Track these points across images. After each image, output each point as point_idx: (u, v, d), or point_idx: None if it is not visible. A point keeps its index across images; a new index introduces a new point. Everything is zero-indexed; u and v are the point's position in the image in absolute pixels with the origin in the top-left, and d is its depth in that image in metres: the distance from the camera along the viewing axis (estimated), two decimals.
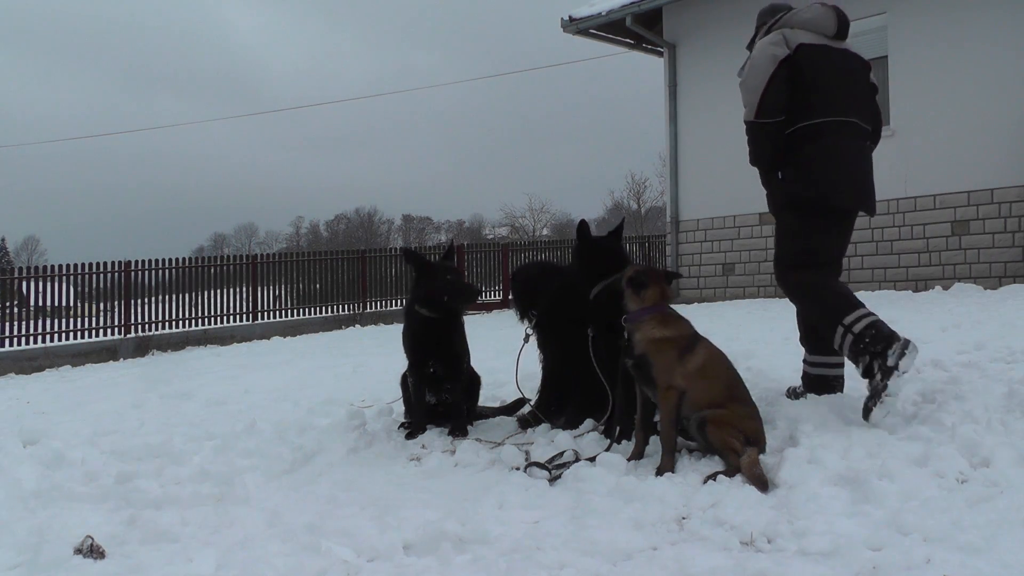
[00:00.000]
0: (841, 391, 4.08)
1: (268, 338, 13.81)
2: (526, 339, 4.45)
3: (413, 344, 4.39)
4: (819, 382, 4.09)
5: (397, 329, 4.85)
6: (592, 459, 3.45)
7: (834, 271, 4.02)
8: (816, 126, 3.80)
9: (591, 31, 13.45)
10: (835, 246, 4.01)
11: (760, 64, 3.81)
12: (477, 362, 4.66)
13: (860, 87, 3.96)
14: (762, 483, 2.97)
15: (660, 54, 13.43)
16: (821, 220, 3.86)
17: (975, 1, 10.11)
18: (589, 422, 4.07)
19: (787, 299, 4.31)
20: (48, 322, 13.37)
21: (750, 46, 4.25)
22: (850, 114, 3.86)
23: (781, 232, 4.04)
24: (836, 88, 3.85)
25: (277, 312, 16.12)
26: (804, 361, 4.21)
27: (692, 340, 3.43)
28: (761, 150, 3.90)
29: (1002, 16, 9.94)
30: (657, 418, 3.50)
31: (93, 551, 2.82)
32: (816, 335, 4.08)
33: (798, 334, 4.28)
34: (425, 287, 4.32)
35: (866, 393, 3.57)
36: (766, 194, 4.10)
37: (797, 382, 4.28)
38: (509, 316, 4.70)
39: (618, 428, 3.78)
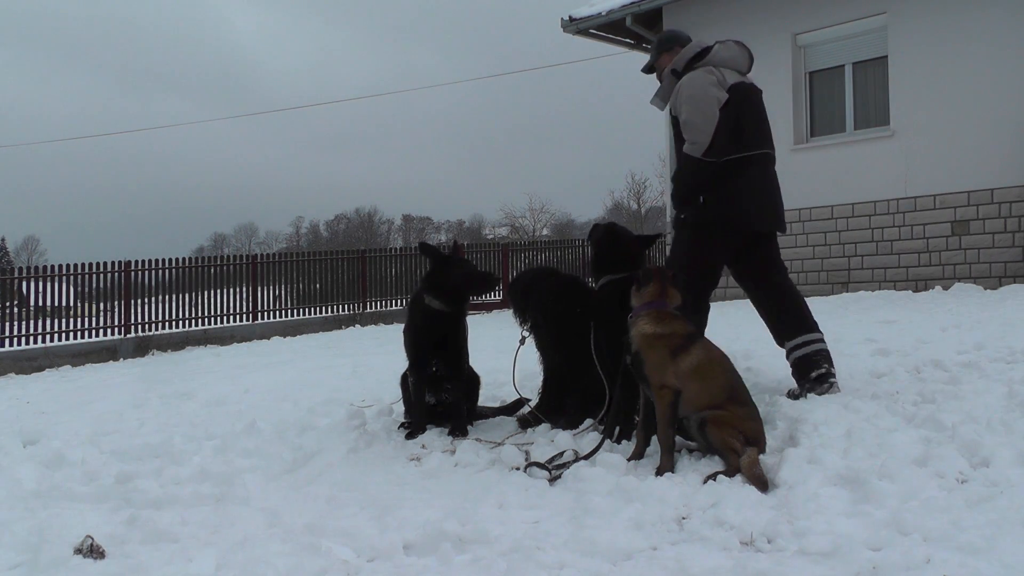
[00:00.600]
0: (829, 363, 4.16)
1: (268, 338, 13.80)
2: (522, 341, 4.46)
3: (417, 340, 4.38)
4: (804, 363, 4.17)
5: (397, 329, 4.85)
6: (589, 456, 3.45)
7: (711, 285, 4.37)
8: (743, 159, 4.19)
9: (591, 31, 13.44)
10: (723, 264, 4.41)
11: (705, 105, 4.13)
12: (477, 362, 4.66)
13: (765, 117, 4.39)
14: (762, 483, 2.97)
15: None
16: (723, 241, 4.25)
17: (975, 1, 10.11)
18: (589, 422, 4.07)
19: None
20: (48, 322, 13.37)
21: (649, 69, 4.61)
22: (765, 146, 4.32)
23: (684, 246, 4.35)
24: (756, 124, 4.29)
25: (277, 312, 16.11)
26: (787, 356, 4.29)
27: (688, 340, 3.42)
28: (695, 181, 4.21)
29: (1002, 16, 9.94)
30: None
31: (93, 551, 2.82)
32: (782, 322, 4.27)
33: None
34: (442, 277, 4.33)
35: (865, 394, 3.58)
36: (674, 212, 4.47)
37: (795, 383, 4.28)
38: (509, 316, 4.71)
39: (618, 428, 3.79)
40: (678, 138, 4.27)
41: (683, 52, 4.36)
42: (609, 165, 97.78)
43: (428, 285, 4.37)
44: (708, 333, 3.64)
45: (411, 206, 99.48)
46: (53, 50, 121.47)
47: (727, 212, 4.17)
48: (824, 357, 4.17)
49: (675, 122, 4.31)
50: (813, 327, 4.25)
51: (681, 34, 4.56)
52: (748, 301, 4.52)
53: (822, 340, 4.23)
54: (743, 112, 4.21)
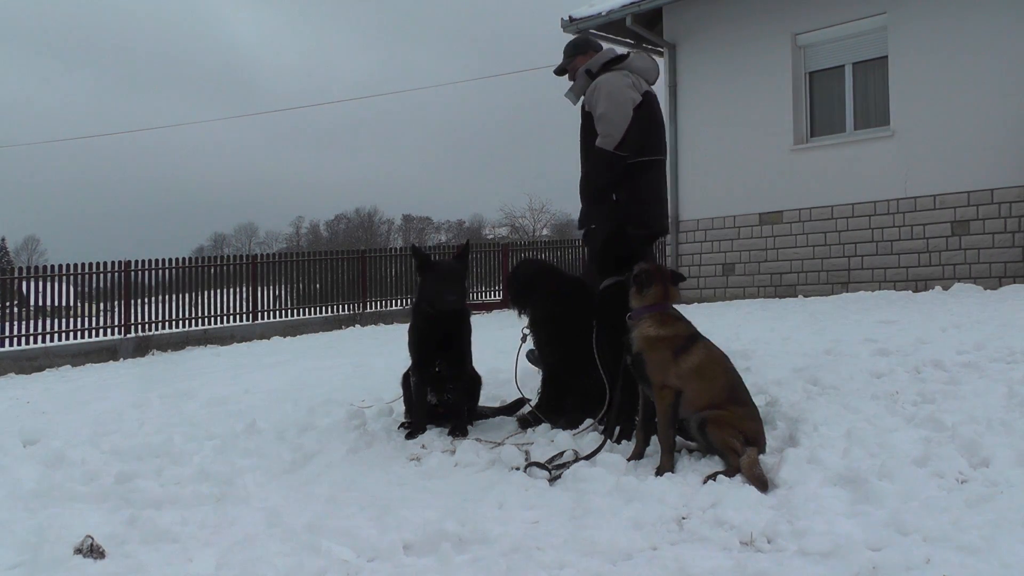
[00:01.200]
0: None
1: (268, 338, 13.80)
2: (523, 339, 4.45)
3: (419, 341, 4.38)
4: None
5: (397, 329, 4.86)
6: (589, 456, 3.45)
7: None
8: (649, 163, 4.59)
9: (591, 31, 13.43)
10: None
11: (623, 103, 4.48)
12: (477, 362, 4.65)
13: (664, 126, 4.85)
14: (762, 483, 2.97)
15: (660, 54, 13.42)
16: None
17: (975, 2, 10.11)
18: (589, 422, 4.07)
19: (785, 300, 4.41)
20: (48, 322, 13.36)
21: (561, 71, 4.97)
22: (663, 152, 4.79)
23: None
24: (659, 131, 4.75)
25: (277, 312, 16.11)
26: None
27: (689, 340, 3.43)
28: (608, 175, 4.52)
29: (1002, 16, 9.94)
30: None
31: (93, 551, 2.82)
32: None
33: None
34: (422, 284, 4.34)
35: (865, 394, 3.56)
36: (582, 209, 4.77)
37: (797, 382, 4.28)
38: (509, 316, 4.72)
39: (618, 428, 3.78)
40: (588, 133, 4.59)
41: (599, 55, 4.74)
42: None
43: (420, 291, 4.40)
44: (708, 333, 3.63)
45: (411, 206, 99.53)
46: (53, 49, 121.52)
47: (638, 212, 4.47)
48: None
49: (587, 118, 4.62)
50: None
51: (593, 40, 5.09)
52: (747, 301, 4.57)
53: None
54: (652, 118, 4.62)
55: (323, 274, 17.26)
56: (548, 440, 3.87)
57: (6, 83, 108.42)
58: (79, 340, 13.24)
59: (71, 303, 14.48)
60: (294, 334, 14.08)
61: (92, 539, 2.86)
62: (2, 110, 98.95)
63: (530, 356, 4.77)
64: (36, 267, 15.35)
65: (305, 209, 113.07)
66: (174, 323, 14.62)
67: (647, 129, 4.53)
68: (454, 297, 4.22)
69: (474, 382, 4.58)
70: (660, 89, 13.97)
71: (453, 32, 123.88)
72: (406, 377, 4.54)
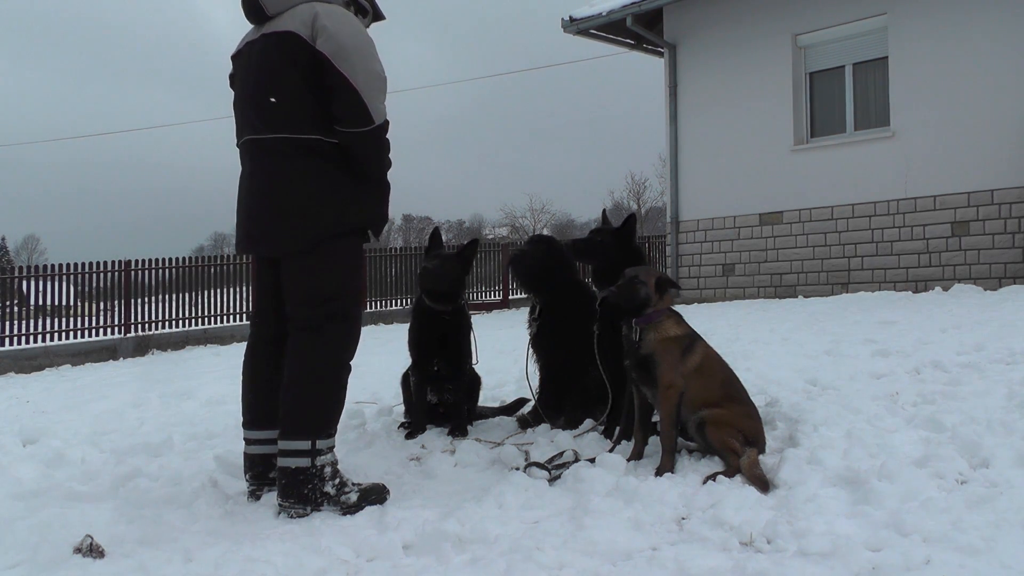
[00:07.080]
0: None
1: None
2: (530, 328, 4.39)
3: (418, 339, 4.36)
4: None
5: (397, 329, 4.85)
6: (592, 459, 3.45)
7: None
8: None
9: (591, 31, 13.45)
10: None
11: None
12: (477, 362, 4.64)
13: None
14: (762, 483, 2.97)
15: (660, 54, 13.44)
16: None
17: (975, 2, 10.12)
18: (589, 422, 4.07)
19: (785, 300, 4.33)
20: (48, 321, 13.36)
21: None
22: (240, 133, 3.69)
23: (353, 261, 3.32)
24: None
25: None
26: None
27: (692, 339, 3.44)
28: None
29: (1003, 16, 9.94)
30: (656, 418, 3.50)
31: (93, 551, 2.81)
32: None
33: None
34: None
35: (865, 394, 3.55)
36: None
37: (797, 382, 4.26)
38: (509, 316, 4.69)
39: (618, 428, 3.78)
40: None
41: None
42: (609, 165, 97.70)
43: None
44: (708, 333, 3.63)
45: (411, 206, 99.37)
46: (53, 49, 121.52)
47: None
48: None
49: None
50: None
51: None
52: (747, 301, 4.50)
53: None
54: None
55: None
56: (548, 440, 3.87)
57: (6, 82, 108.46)
58: (79, 340, 13.24)
59: (71, 303, 14.48)
60: None
61: (92, 539, 2.86)
62: (2, 109, 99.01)
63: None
64: (36, 266, 15.34)
65: None
66: (174, 323, 14.62)
67: None
68: (422, 276, 4.20)
69: (474, 382, 4.58)
70: (659, 89, 14.09)
71: (454, 32, 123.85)
72: (406, 377, 4.53)
